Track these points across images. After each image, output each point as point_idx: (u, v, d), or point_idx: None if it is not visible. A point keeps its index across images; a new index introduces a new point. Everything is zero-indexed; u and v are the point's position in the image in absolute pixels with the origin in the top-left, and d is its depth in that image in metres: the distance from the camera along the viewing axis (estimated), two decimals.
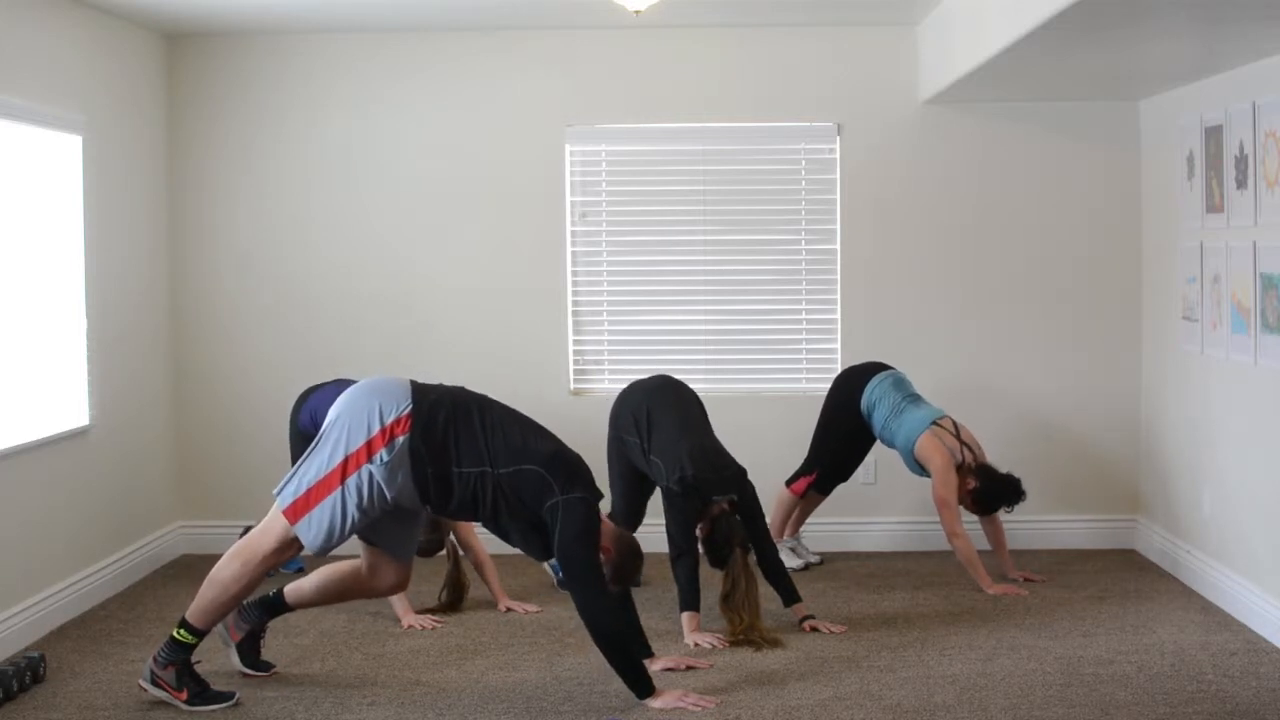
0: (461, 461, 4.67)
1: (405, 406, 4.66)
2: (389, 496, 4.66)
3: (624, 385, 6.20)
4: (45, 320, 6.00)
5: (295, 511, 4.67)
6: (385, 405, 4.67)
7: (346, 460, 4.63)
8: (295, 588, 5.10)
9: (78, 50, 6.30)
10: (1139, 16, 4.76)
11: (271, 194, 7.26)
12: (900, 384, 6.60)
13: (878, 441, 6.71)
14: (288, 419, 6.27)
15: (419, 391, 4.74)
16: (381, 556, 4.97)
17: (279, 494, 4.74)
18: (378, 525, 4.83)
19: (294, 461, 6.19)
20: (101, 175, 6.41)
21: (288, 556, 4.81)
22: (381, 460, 4.62)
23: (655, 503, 6.26)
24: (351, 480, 4.63)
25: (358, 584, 5.04)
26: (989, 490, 6.29)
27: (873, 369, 6.70)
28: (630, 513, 6.06)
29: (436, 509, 4.83)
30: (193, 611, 4.78)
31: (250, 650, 5.13)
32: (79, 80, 6.28)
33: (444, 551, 6.04)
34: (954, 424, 6.41)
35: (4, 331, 5.69)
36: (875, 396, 6.56)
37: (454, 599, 6.08)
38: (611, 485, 6.08)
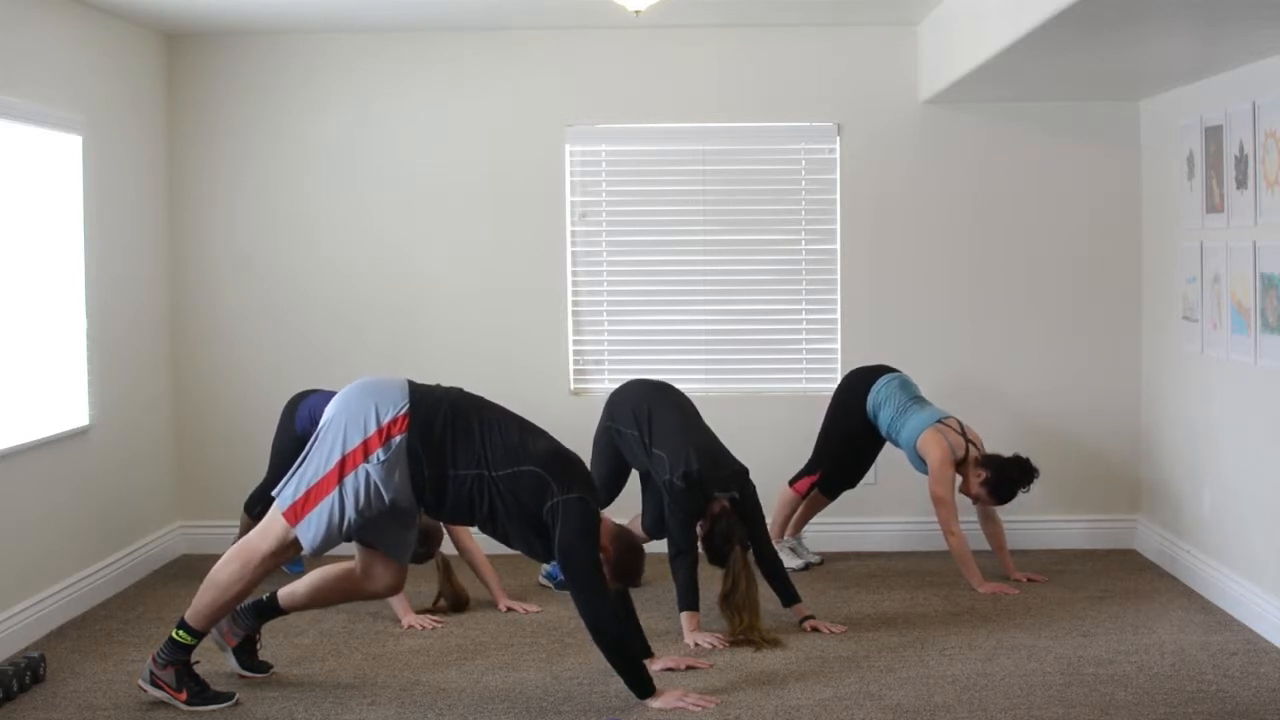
0: (457, 463, 4.66)
1: (402, 406, 4.66)
2: (386, 497, 4.65)
3: None
4: (45, 320, 6.00)
5: (295, 513, 4.67)
6: (382, 405, 4.66)
7: (344, 460, 4.62)
8: (289, 591, 5.09)
9: (78, 50, 6.30)
10: (1139, 16, 4.76)
11: (271, 194, 7.26)
12: (906, 386, 6.61)
13: (883, 446, 6.73)
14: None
15: (416, 392, 4.73)
16: (377, 558, 4.96)
17: (278, 495, 4.74)
18: (374, 526, 4.82)
19: (272, 466, 6.24)
20: (101, 175, 6.41)
21: (287, 558, 4.81)
22: (378, 460, 4.61)
23: (621, 504, 6.29)
24: (349, 480, 4.62)
25: (352, 586, 5.03)
26: (1001, 476, 6.27)
27: (879, 371, 6.70)
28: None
29: (431, 511, 4.82)
30: (191, 613, 4.78)
31: (246, 653, 5.13)
32: (79, 80, 6.28)
33: (434, 561, 6.00)
34: (959, 423, 6.41)
35: (4, 331, 5.69)
36: (881, 397, 6.56)
37: (455, 608, 6.06)
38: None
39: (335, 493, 4.63)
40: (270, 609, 5.09)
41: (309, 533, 4.66)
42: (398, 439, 4.62)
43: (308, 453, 4.73)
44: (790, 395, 7.27)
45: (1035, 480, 6.35)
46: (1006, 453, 6.44)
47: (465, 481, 4.67)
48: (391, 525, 4.87)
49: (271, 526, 4.74)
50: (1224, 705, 4.80)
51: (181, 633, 4.77)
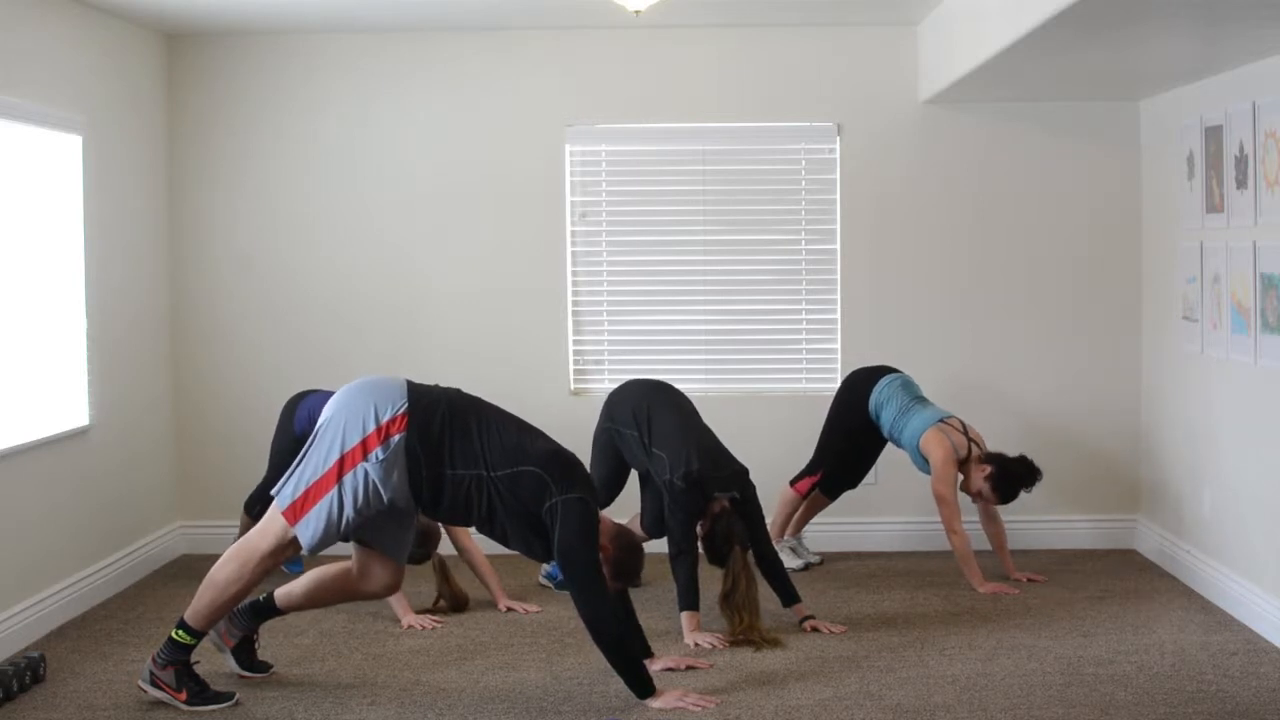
0: (455, 463, 4.66)
1: (401, 405, 4.66)
2: (385, 497, 4.65)
3: None
4: (45, 320, 6.00)
5: (294, 512, 4.67)
6: (381, 404, 4.66)
7: (343, 459, 4.62)
8: (285, 591, 5.08)
9: (78, 50, 6.30)
10: (1139, 16, 4.76)
11: (272, 194, 7.26)
12: (908, 386, 6.61)
13: (884, 446, 6.73)
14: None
15: (415, 391, 4.73)
16: (374, 558, 4.96)
17: (277, 494, 4.74)
18: (372, 526, 4.82)
19: (271, 466, 6.24)
20: (101, 175, 6.41)
21: (285, 557, 4.80)
22: (377, 458, 4.61)
23: (621, 504, 6.30)
24: (348, 479, 4.62)
25: (348, 586, 5.02)
26: (1005, 472, 6.27)
27: (881, 371, 6.70)
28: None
29: (428, 511, 4.82)
30: (191, 613, 4.78)
31: (245, 653, 5.12)
32: (79, 80, 6.28)
33: (431, 562, 6.00)
34: (961, 423, 6.41)
35: (4, 331, 5.69)
36: (884, 397, 6.56)
37: (454, 609, 6.06)
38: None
39: (334, 491, 4.63)
40: (267, 609, 5.09)
41: (308, 531, 4.66)
42: (396, 438, 4.62)
43: (306, 451, 4.73)
44: (790, 395, 7.27)
45: (1039, 481, 6.35)
46: (1008, 453, 6.44)
47: (463, 481, 4.67)
48: (389, 525, 4.87)
49: (270, 526, 4.74)
50: (1224, 705, 4.80)
51: (181, 633, 4.77)
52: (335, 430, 4.66)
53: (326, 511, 4.64)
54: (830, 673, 5.16)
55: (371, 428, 4.63)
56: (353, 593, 5.06)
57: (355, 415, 4.66)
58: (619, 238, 7.31)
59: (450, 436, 4.67)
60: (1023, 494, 6.39)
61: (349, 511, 4.64)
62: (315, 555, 4.90)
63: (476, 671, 5.24)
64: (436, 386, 4.86)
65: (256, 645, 5.18)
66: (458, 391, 4.88)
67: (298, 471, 4.71)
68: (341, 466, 4.62)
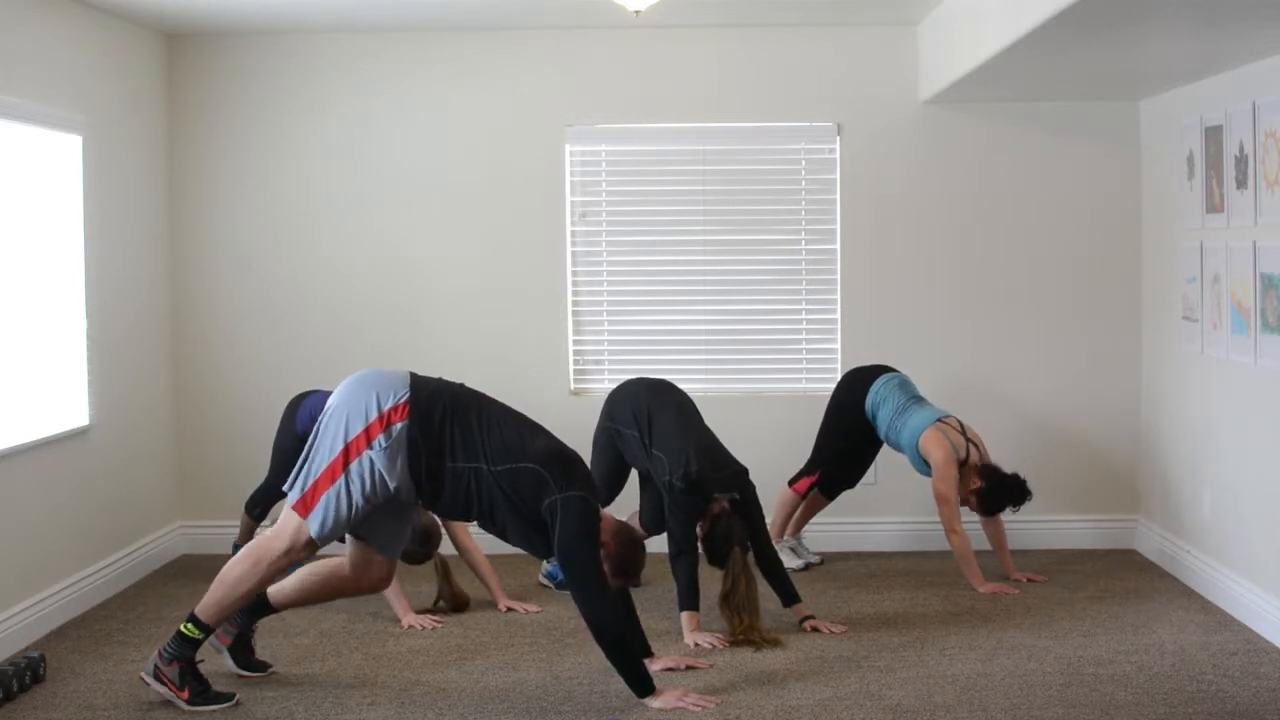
0: (456, 456, 4.67)
1: (403, 394, 4.67)
2: (391, 485, 4.65)
3: None
4: (45, 320, 6.00)
5: (305, 504, 4.67)
6: (383, 393, 4.67)
7: (347, 448, 4.63)
8: (278, 588, 5.08)
9: (78, 50, 6.30)
10: (1139, 16, 4.76)
11: (271, 194, 7.27)
12: (905, 385, 6.61)
13: (882, 446, 6.73)
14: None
15: (417, 382, 4.74)
16: (368, 552, 4.95)
17: (289, 490, 4.75)
18: (372, 518, 4.81)
19: (273, 466, 6.24)
20: (101, 175, 6.41)
21: (300, 557, 4.77)
22: (380, 446, 4.61)
23: (621, 503, 6.29)
24: (354, 467, 4.62)
25: (340, 581, 5.02)
26: (994, 490, 6.28)
27: (878, 371, 6.70)
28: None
29: (429, 503, 4.83)
30: (202, 607, 4.78)
31: (243, 652, 5.13)
32: (79, 80, 6.28)
33: (432, 562, 5.99)
34: (959, 423, 6.41)
35: (4, 331, 5.69)
36: (880, 397, 6.56)
37: (454, 609, 6.05)
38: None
39: (341, 479, 4.63)
40: (261, 606, 5.08)
41: (316, 520, 4.66)
42: (398, 426, 4.63)
43: (312, 445, 4.73)
44: (790, 395, 7.27)
45: (1027, 501, 6.35)
46: (1006, 456, 6.44)
47: (463, 475, 4.67)
48: (388, 518, 4.86)
49: (285, 524, 4.74)
50: (1224, 705, 4.80)
51: (190, 626, 4.77)
52: (339, 420, 4.67)
53: (335, 500, 4.64)
54: (830, 673, 5.16)
55: (374, 415, 4.63)
56: (345, 587, 5.05)
57: (358, 404, 4.66)
58: (619, 238, 7.31)
59: (451, 429, 4.68)
60: (1009, 510, 6.38)
61: (357, 499, 4.64)
62: (326, 545, 4.86)
63: (476, 671, 5.24)
64: (440, 380, 4.86)
65: (254, 644, 5.17)
66: (461, 385, 4.89)
67: (305, 466, 4.72)
68: (347, 455, 4.63)
